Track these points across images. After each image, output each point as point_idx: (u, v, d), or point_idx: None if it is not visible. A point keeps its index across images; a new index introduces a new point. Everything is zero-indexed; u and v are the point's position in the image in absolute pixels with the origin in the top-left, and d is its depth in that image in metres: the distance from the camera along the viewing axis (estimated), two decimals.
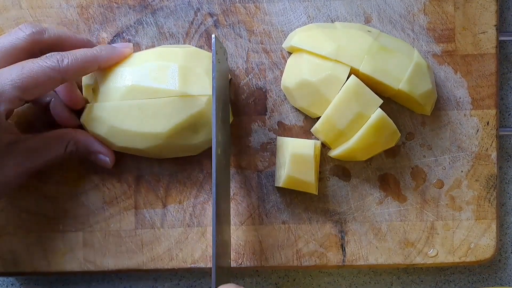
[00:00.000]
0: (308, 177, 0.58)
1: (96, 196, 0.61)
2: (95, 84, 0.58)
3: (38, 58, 0.54)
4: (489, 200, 0.61)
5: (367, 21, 0.61)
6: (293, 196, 0.62)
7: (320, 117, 0.58)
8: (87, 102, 0.59)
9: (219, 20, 0.61)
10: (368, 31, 0.59)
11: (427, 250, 0.62)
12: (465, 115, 0.62)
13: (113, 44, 0.60)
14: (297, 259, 0.61)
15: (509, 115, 0.65)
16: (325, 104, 0.57)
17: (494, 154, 0.61)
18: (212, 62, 0.55)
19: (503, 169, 0.65)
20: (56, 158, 0.58)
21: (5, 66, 0.53)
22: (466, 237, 0.62)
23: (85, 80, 0.59)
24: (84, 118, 0.59)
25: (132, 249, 0.61)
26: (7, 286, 0.65)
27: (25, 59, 0.54)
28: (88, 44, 0.58)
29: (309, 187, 0.59)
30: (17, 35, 0.55)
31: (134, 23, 0.61)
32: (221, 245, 0.55)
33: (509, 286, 0.65)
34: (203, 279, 0.65)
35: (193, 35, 0.61)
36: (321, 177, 0.61)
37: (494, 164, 0.61)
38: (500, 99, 0.64)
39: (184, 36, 0.61)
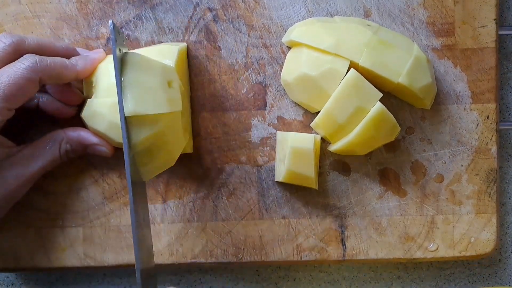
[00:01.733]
0: (308, 172, 0.58)
1: (96, 191, 0.61)
2: (96, 80, 0.58)
3: (15, 61, 0.54)
4: (489, 194, 0.61)
5: (367, 15, 0.61)
6: (293, 191, 0.61)
7: (319, 111, 0.58)
8: (87, 97, 0.59)
9: (219, 14, 0.61)
10: (368, 25, 0.59)
11: (427, 244, 0.62)
12: (465, 109, 0.62)
13: (85, 53, 0.59)
14: (297, 254, 0.61)
15: (509, 114, 0.65)
16: (325, 98, 0.57)
17: (494, 148, 0.61)
18: (113, 51, 0.52)
19: (503, 169, 0.65)
20: (52, 161, 0.58)
21: None
22: (466, 231, 0.62)
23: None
24: (84, 114, 0.59)
25: (132, 244, 0.61)
26: (7, 286, 0.65)
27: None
28: (68, 51, 0.58)
29: (309, 181, 0.59)
30: None
31: (133, 18, 0.61)
32: (145, 249, 0.55)
33: (509, 286, 0.65)
34: (203, 278, 0.65)
35: (192, 30, 0.61)
36: (321, 172, 0.61)
37: (494, 158, 0.61)
38: (500, 98, 0.64)
39: (184, 31, 0.61)
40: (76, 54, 0.59)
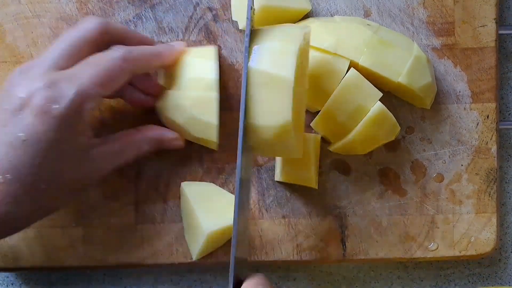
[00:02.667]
0: (308, 171, 0.58)
1: (97, 191, 0.61)
2: (179, 72, 0.58)
3: (107, 51, 0.54)
4: (489, 194, 0.61)
5: (367, 15, 0.61)
6: (293, 191, 0.61)
7: (320, 110, 0.58)
8: (166, 89, 0.59)
9: (219, 14, 0.61)
10: (368, 24, 0.59)
11: (428, 244, 0.61)
12: (465, 108, 0.62)
13: (170, 43, 0.60)
14: (297, 254, 0.61)
15: (509, 114, 0.65)
16: (325, 98, 0.57)
17: (494, 148, 0.61)
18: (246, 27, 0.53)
19: (503, 169, 0.65)
20: (130, 160, 0.58)
21: (77, 60, 0.53)
22: (467, 230, 0.61)
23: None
24: (161, 104, 0.58)
25: (132, 244, 0.61)
26: (7, 286, 0.65)
27: (93, 52, 0.54)
28: (148, 41, 0.59)
29: (309, 181, 0.59)
30: (86, 27, 0.54)
31: (133, 18, 0.61)
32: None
33: (509, 286, 0.65)
34: (203, 278, 0.65)
35: (193, 29, 0.61)
36: (321, 171, 0.61)
37: (494, 157, 0.61)
38: (500, 98, 0.64)
39: (184, 30, 0.61)
40: (154, 45, 0.59)
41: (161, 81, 0.59)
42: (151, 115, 0.60)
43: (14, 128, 0.51)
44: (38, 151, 0.51)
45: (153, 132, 0.58)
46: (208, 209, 0.58)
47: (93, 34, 0.54)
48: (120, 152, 0.57)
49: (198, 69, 0.57)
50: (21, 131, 0.51)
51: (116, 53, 0.54)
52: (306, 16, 0.61)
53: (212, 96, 0.57)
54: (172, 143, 0.59)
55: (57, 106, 0.51)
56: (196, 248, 0.59)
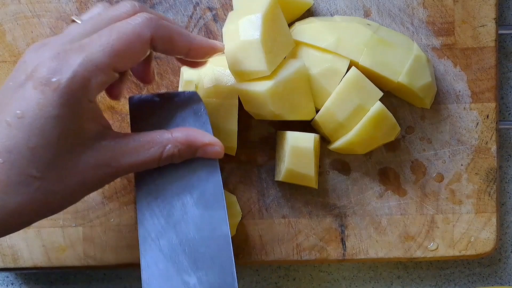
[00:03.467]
0: (307, 171, 0.58)
1: (96, 191, 0.61)
2: (199, 81, 0.57)
3: (127, 19, 0.47)
4: (489, 194, 0.61)
5: (367, 14, 0.61)
6: (293, 190, 0.61)
7: (320, 110, 0.58)
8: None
9: (218, 14, 0.61)
10: (368, 24, 0.59)
11: (427, 243, 0.62)
12: (464, 108, 0.62)
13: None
14: (297, 253, 0.61)
15: (509, 114, 0.65)
16: (325, 97, 0.57)
17: (494, 148, 0.61)
18: None
19: (503, 169, 0.65)
20: (146, 163, 0.49)
21: None
22: (466, 230, 0.62)
23: (187, 75, 0.58)
24: None
25: (132, 244, 0.61)
26: (7, 285, 0.65)
27: None
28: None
29: (309, 180, 0.59)
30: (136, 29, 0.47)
31: None
32: None
33: (509, 286, 0.65)
34: None
35: (192, 29, 0.61)
36: (321, 171, 0.61)
37: (494, 157, 0.61)
38: (500, 97, 0.64)
39: None
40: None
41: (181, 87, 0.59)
42: None
43: (13, 105, 0.44)
44: (34, 130, 0.43)
45: (185, 132, 0.50)
46: None
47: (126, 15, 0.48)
48: (137, 150, 0.48)
49: (226, 80, 0.57)
50: (19, 108, 0.44)
51: (136, 19, 0.47)
52: (307, 15, 0.61)
53: (233, 103, 0.57)
54: (208, 150, 0.50)
55: (57, 78, 0.43)
56: None
